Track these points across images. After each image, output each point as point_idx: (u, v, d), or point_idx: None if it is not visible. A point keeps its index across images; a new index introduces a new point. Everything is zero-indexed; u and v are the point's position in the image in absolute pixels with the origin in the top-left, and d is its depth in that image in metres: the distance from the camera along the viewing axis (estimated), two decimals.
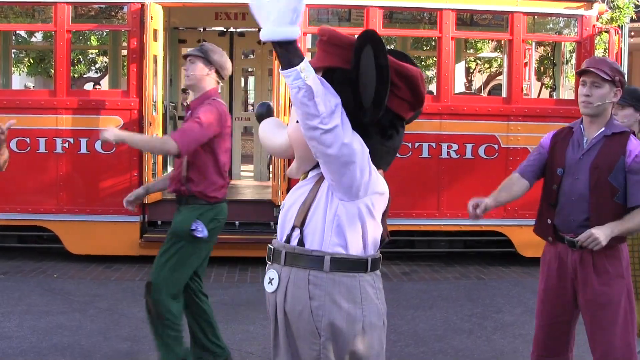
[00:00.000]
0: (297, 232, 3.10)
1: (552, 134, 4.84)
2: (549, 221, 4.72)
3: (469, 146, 10.00)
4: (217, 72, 5.72)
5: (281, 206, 3.25)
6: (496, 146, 10.01)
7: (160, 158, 10.32)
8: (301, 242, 3.08)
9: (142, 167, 9.64)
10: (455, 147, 9.97)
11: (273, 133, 3.20)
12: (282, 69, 2.81)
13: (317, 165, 3.09)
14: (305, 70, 2.77)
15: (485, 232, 10.17)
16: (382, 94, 2.92)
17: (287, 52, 2.77)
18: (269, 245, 3.24)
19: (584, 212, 4.58)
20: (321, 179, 3.09)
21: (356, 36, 2.96)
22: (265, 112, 3.28)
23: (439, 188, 10.06)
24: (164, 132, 11.71)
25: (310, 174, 3.18)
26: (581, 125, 4.72)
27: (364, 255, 3.11)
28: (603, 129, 4.62)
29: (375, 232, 3.13)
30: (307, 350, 3.08)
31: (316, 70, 2.94)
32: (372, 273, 3.15)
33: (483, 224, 10.06)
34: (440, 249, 10.59)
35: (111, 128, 5.63)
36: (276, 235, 3.26)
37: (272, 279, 3.15)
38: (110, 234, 9.68)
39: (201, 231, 5.73)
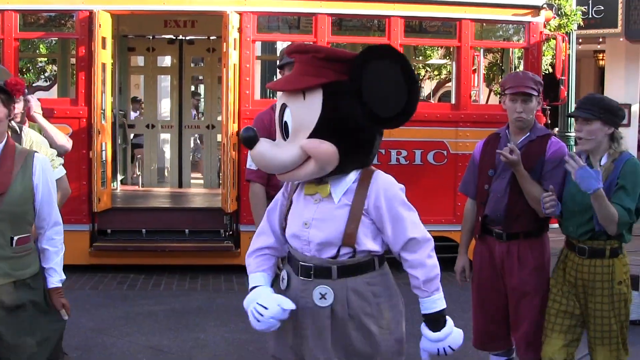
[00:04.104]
0: (347, 250, 3.41)
1: (481, 144, 5.30)
2: (479, 218, 5.19)
3: (418, 152, 10.06)
4: None
5: (303, 223, 3.40)
6: (445, 152, 10.08)
7: (109, 167, 10.22)
8: (351, 256, 3.43)
9: (92, 176, 9.54)
10: (404, 153, 10.02)
11: (278, 151, 3.31)
12: None
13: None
14: None
15: (434, 238, 10.15)
16: (415, 104, 3.36)
17: None
18: (301, 263, 3.41)
19: (505, 206, 5.05)
20: (354, 204, 3.40)
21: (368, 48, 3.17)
22: (254, 135, 3.32)
23: None
24: (113, 140, 11.64)
25: (343, 199, 3.40)
26: (507, 131, 5.18)
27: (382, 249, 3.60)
28: (528, 134, 5.08)
29: None
30: (363, 340, 3.47)
31: (312, 88, 3.16)
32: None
33: (431, 230, 10.08)
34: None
35: None
36: (297, 251, 3.46)
37: (325, 293, 3.37)
38: None
39: None
